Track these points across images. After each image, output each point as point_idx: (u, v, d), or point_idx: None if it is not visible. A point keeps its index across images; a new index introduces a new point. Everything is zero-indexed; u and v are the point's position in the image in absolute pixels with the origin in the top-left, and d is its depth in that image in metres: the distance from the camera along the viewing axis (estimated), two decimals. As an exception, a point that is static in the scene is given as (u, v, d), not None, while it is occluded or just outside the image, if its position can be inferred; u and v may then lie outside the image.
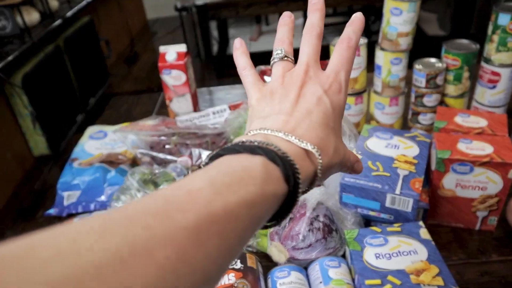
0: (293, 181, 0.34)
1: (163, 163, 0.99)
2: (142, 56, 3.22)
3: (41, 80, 1.88)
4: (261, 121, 0.40)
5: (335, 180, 0.83)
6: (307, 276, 0.72)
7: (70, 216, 1.00)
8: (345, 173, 0.79)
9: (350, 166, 0.45)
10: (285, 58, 0.44)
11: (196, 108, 1.28)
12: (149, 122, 1.05)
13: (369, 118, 1.12)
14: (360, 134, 0.90)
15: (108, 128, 1.20)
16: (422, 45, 1.08)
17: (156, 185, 0.90)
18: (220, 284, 0.66)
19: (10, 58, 1.53)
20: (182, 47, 1.20)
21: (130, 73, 2.96)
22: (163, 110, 1.42)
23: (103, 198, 1.00)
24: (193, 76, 1.27)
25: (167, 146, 1.00)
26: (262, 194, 0.32)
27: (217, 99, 1.48)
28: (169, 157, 0.99)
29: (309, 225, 0.73)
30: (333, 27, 4.21)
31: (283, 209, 0.35)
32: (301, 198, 0.78)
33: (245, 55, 0.46)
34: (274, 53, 0.44)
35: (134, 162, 1.07)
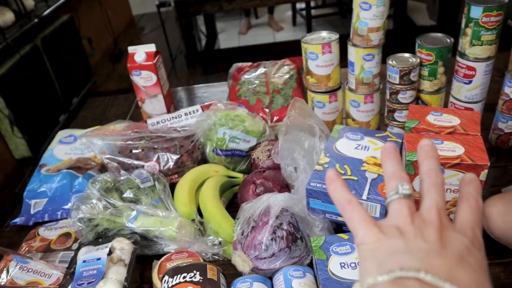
0: None
1: (131, 168, 0.96)
2: (127, 53, 3.15)
3: (18, 82, 1.84)
4: (394, 259, 0.34)
5: (302, 184, 0.80)
6: (272, 287, 0.69)
7: (37, 224, 0.97)
8: (311, 177, 0.76)
9: None
10: (410, 197, 0.39)
11: (170, 108, 1.25)
12: (117, 126, 1.02)
13: (345, 115, 1.09)
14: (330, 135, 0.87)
15: (79, 132, 1.17)
16: (412, 36, 1.05)
17: (120, 193, 0.86)
18: (177, 299, 0.63)
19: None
20: (151, 47, 1.17)
21: (115, 71, 2.91)
22: (138, 111, 1.39)
23: (69, 205, 0.97)
24: (165, 76, 1.23)
25: (134, 151, 0.96)
26: None
27: (195, 98, 1.44)
28: (136, 162, 0.96)
29: (272, 234, 0.70)
30: (322, 19, 4.16)
31: None
32: (265, 205, 0.75)
33: (346, 188, 0.41)
34: (400, 188, 0.40)
35: (104, 168, 1.04)
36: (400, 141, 0.83)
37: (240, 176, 0.99)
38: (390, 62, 0.95)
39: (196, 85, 1.53)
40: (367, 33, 0.91)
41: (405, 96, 0.96)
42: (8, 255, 0.83)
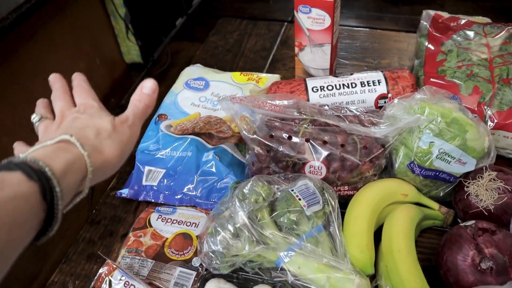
0: (43, 176, 0.37)
1: (283, 161, 0.67)
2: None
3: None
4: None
5: None
6: None
7: (148, 203, 0.74)
8: None
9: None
10: (42, 119, 0.52)
11: (333, 65, 0.92)
12: (275, 102, 0.71)
13: None
14: None
15: (212, 76, 0.88)
16: None
17: (276, 215, 0.58)
18: None
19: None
20: (334, -23, 0.81)
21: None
22: (284, 52, 1.06)
23: (190, 187, 0.72)
24: (339, 19, 0.88)
25: (294, 139, 0.67)
26: None
27: (357, 48, 1.07)
28: (293, 154, 0.66)
29: None
30: None
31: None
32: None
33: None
34: (32, 119, 0.52)
35: (241, 141, 0.76)
36: None
37: (435, 207, 0.67)
38: None
39: (353, 28, 1.16)
40: None
41: None
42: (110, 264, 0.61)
